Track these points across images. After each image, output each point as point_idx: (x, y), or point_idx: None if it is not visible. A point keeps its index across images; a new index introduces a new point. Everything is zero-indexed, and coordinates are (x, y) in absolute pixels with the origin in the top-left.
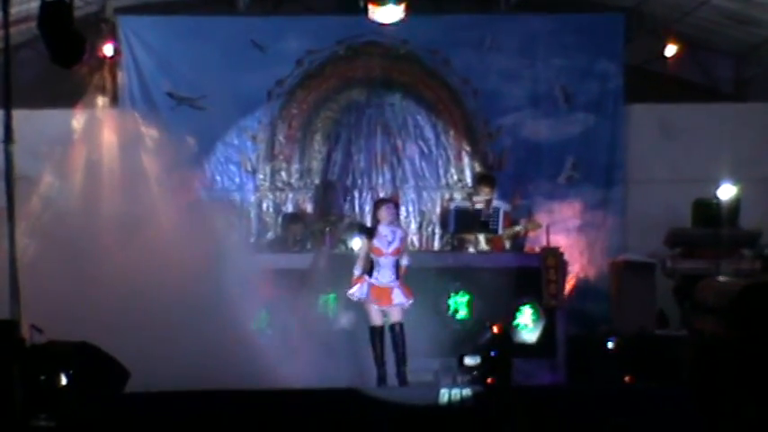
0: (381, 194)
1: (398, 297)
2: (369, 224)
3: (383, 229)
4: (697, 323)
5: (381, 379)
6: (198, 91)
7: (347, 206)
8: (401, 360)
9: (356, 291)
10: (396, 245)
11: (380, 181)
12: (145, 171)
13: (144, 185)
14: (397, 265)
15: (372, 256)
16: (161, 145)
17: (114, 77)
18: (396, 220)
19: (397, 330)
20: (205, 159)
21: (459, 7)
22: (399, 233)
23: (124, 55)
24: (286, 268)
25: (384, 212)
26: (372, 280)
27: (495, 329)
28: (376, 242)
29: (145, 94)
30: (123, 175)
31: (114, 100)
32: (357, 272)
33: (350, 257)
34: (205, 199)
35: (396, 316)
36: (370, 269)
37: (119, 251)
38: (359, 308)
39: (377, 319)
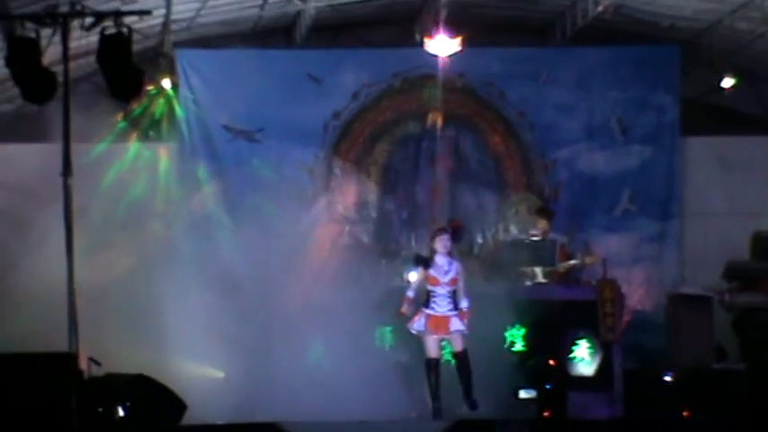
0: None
1: (456, 324)
2: (425, 254)
3: (439, 259)
4: (755, 356)
5: (437, 412)
6: (254, 124)
7: (404, 239)
8: (468, 388)
9: (415, 323)
10: (452, 275)
11: (437, 213)
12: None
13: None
14: (454, 296)
15: (429, 286)
16: None
17: (172, 110)
18: (452, 251)
19: (461, 358)
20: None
21: (514, 40)
22: (456, 265)
23: (181, 88)
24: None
25: (439, 244)
26: (429, 311)
27: (552, 362)
28: (432, 272)
29: (201, 127)
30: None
31: (172, 133)
32: (410, 294)
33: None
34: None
35: (458, 344)
36: (426, 300)
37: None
38: (417, 340)
39: (433, 352)
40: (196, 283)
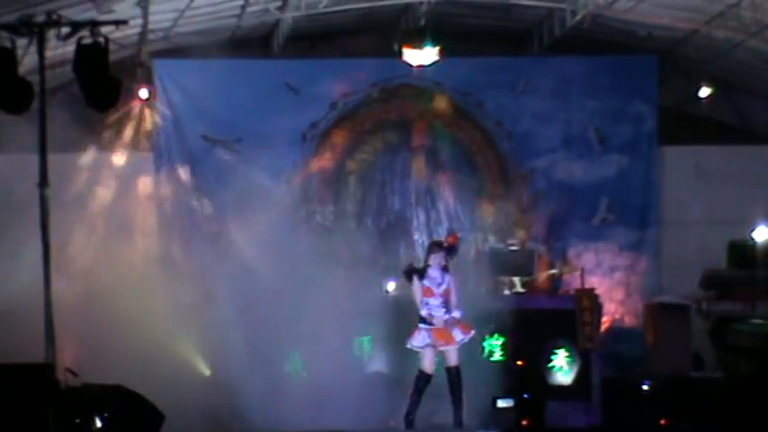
0: (415, 237)
1: (459, 334)
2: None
3: (432, 272)
4: (732, 365)
5: (410, 423)
6: (232, 133)
7: (382, 248)
8: (458, 403)
9: (416, 340)
10: (445, 286)
11: (415, 223)
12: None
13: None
14: (447, 305)
15: (423, 297)
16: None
17: (149, 121)
18: (446, 266)
19: (454, 373)
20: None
21: (492, 50)
22: (447, 277)
23: (159, 98)
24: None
25: (433, 259)
26: (429, 326)
27: (520, 363)
28: (426, 282)
29: (179, 136)
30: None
31: (149, 143)
32: (424, 312)
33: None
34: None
35: (453, 359)
36: (421, 317)
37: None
38: (395, 349)
39: (429, 367)
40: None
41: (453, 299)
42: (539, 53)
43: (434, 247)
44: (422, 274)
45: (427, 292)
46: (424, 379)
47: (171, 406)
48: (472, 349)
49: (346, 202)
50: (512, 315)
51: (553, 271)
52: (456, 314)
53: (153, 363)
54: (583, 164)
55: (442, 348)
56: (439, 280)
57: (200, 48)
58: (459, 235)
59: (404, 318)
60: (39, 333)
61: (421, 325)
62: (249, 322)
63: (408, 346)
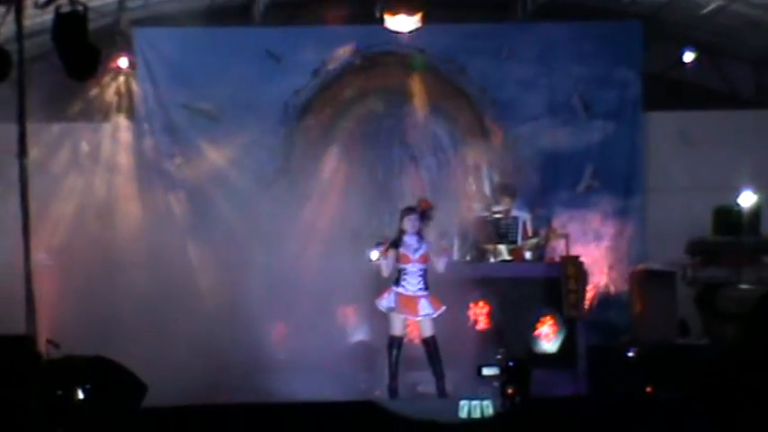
0: (400, 206)
1: (426, 307)
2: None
3: (408, 239)
4: (718, 331)
5: (393, 392)
6: (214, 103)
7: (367, 219)
8: (439, 374)
9: (384, 301)
10: (422, 252)
11: (399, 193)
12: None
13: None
14: (425, 275)
15: (400, 264)
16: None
17: (129, 90)
18: (421, 231)
19: (431, 344)
20: (221, 171)
21: (475, 16)
22: (424, 244)
23: (139, 67)
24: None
25: (407, 224)
26: (399, 289)
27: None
28: (402, 249)
29: (160, 106)
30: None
31: (130, 112)
32: (385, 273)
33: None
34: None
35: (427, 330)
36: (396, 278)
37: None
38: (380, 319)
39: (397, 329)
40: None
41: (439, 261)
42: (522, 19)
43: (407, 211)
44: (396, 243)
45: (404, 259)
46: (394, 344)
47: (153, 377)
48: (457, 318)
49: (329, 172)
50: (496, 283)
51: (538, 238)
52: (440, 267)
53: (135, 333)
54: (567, 131)
55: (404, 316)
56: (415, 246)
57: (179, 16)
58: (430, 202)
59: (387, 287)
60: (19, 304)
61: (393, 286)
62: (231, 292)
63: (376, 302)
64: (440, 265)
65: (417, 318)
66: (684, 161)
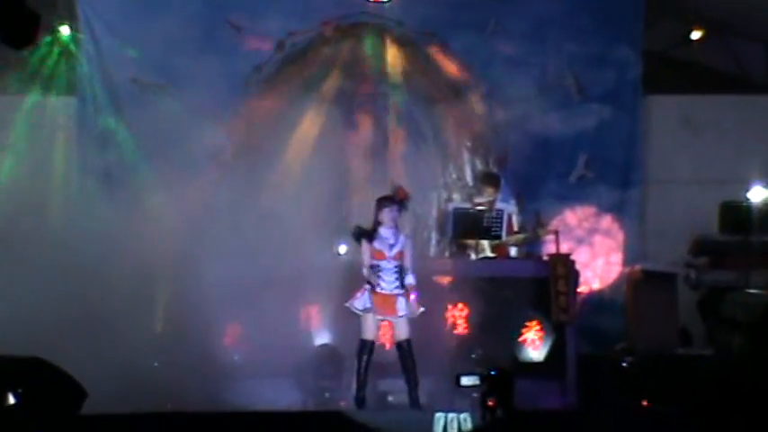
0: (371, 194)
1: (404, 307)
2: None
3: (384, 232)
4: (723, 340)
5: (361, 401)
6: (166, 76)
7: (334, 207)
8: (413, 382)
9: (357, 302)
10: (398, 248)
11: (370, 181)
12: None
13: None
14: (401, 272)
15: (374, 261)
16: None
17: (72, 61)
18: (399, 224)
19: (405, 348)
20: (173, 153)
21: None
22: (402, 238)
23: (83, 35)
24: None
25: (386, 216)
26: (372, 288)
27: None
28: (377, 244)
29: (106, 79)
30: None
31: (71, 86)
32: (373, 279)
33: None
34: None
35: (402, 332)
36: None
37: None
38: (347, 320)
39: (370, 333)
40: (96, 254)
41: (408, 263)
42: None
43: (386, 201)
44: (371, 235)
45: (378, 255)
46: (365, 348)
47: (93, 381)
48: (434, 321)
49: (294, 156)
50: (478, 283)
51: (524, 234)
52: (410, 280)
53: (73, 333)
54: (559, 115)
55: (382, 318)
56: (392, 240)
57: None
58: (407, 191)
59: (356, 285)
60: None
61: (366, 286)
62: (181, 288)
63: (347, 305)
64: (409, 278)
65: (396, 318)
66: (688, 151)
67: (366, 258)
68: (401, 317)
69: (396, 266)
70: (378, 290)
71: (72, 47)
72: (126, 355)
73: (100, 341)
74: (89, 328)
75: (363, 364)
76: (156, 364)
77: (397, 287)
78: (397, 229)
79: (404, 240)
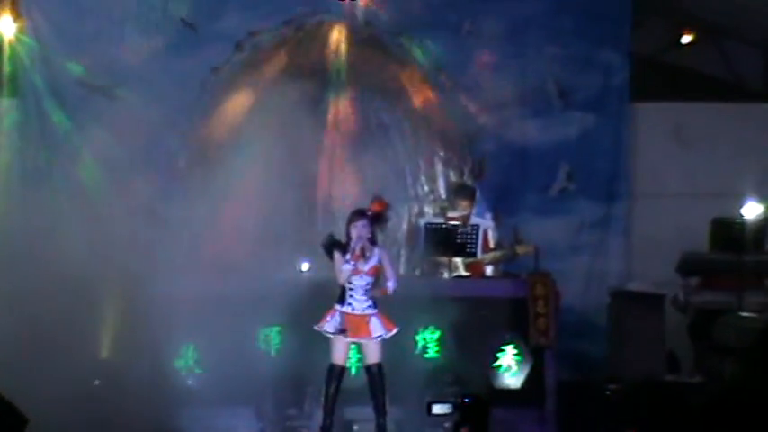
0: (335, 206)
1: (378, 328)
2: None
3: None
4: (714, 367)
5: (326, 430)
6: (116, 78)
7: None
8: (381, 409)
9: (328, 324)
10: (373, 263)
11: (335, 192)
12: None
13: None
14: (374, 288)
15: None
16: None
17: (15, 61)
18: (374, 236)
19: (375, 372)
20: (122, 160)
21: None
22: (377, 251)
23: (25, 33)
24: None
25: (353, 232)
26: (345, 308)
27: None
28: (349, 259)
29: (50, 80)
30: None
31: (14, 88)
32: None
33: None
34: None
35: (373, 356)
36: (341, 295)
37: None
38: (311, 343)
39: (340, 357)
40: (39, 270)
41: (388, 272)
42: None
43: (356, 216)
44: (344, 248)
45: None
46: (335, 374)
47: (35, 408)
48: (404, 344)
49: (252, 164)
50: (451, 303)
51: (501, 251)
52: (390, 284)
53: (13, 356)
54: (539, 122)
55: (353, 340)
56: (367, 253)
57: None
58: (386, 201)
59: (320, 305)
60: None
61: (337, 306)
62: (132, 308)
63: (316, 327)
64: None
65: (368, 341)
66: (678, 162)
67: (339, 265)
68: (375, 338)
69: (368, 283)
70: (349, 310)
71: (16, 47)
72: (68, 378)
73: (39, 362)
74: (30, 346)
75: (332, 390)
76: (96, 382)
77: (369, 306)
78: (370, 243)
79: (379, 254)
